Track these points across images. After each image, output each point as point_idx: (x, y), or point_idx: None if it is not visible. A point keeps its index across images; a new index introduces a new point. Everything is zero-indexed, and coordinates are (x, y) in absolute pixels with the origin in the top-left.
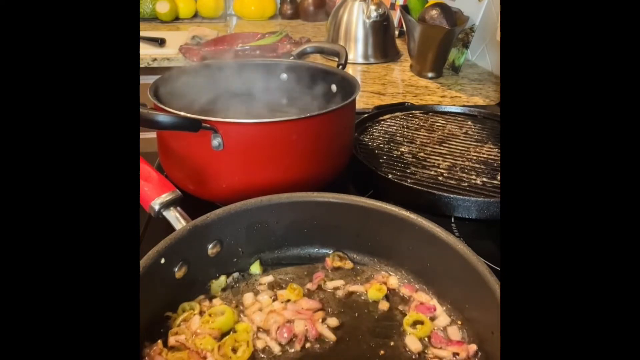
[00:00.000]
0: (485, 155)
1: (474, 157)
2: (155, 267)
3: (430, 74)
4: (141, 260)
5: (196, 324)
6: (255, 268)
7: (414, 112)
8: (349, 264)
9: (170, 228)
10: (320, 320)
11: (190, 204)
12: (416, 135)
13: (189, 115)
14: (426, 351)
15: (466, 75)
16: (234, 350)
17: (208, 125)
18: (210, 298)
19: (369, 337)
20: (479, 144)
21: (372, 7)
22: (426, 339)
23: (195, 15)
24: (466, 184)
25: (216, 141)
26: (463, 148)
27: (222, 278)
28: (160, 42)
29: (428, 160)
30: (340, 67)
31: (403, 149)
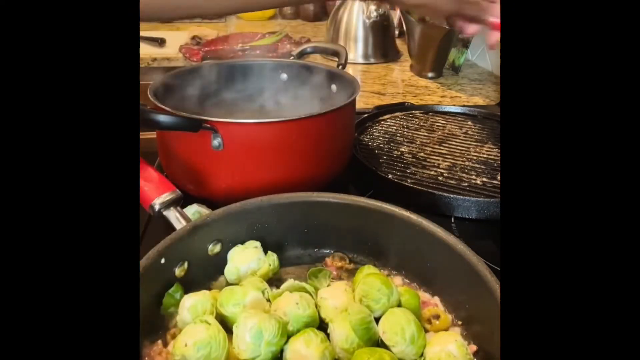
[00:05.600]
0: (485, 155)
1: (474, 157)
2: (155, 267)
3: (430, 74)
4: (141, 260)
5: None
6: None
7: (414, 112)
8: (348, 264)
9: (170, 228)
10: None
11: (190, 204)
12: (416, 135)
13: (189, 115)
14: None
15: (466, 75)
16: None
17: (208, 125)
18: None
19: None
20: (479, 144)
21: (372, 7)
22: None
23: None
24: (466, 184)
25: (216, 141)
26: (463, 148)
27: (222, 278)
28: (160, 42)
29: (428, 160)
30: (340, 67)
31: (403, 149)
